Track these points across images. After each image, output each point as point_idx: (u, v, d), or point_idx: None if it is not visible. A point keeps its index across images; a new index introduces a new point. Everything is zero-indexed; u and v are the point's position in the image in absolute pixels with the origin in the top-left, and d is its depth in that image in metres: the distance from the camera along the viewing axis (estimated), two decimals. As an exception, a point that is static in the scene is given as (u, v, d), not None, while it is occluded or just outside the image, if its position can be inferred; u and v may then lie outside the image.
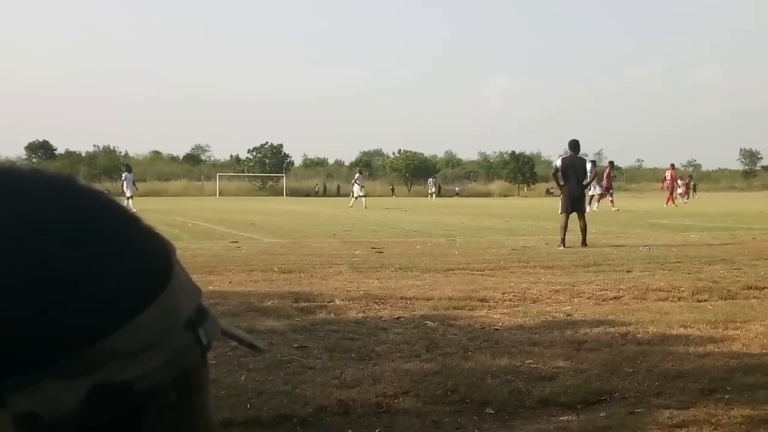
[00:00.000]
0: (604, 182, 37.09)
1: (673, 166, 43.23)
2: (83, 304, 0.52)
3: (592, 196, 35.10)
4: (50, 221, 0.54)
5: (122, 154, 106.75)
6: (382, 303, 8.46)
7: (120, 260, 0.55)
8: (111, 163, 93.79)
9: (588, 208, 33.41)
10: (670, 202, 39.75)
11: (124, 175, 35.31)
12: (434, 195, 65.97)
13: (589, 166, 16.77)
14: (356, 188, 43.43)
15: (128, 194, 33.67)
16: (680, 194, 44.70)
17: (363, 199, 42.18)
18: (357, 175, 45.75)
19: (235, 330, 0.68)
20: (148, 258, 0.58)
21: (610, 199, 36.96)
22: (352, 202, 42.38)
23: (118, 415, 0.53)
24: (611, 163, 40.35)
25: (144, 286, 0.56)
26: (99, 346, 0.52)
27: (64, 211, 0.56)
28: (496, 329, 7.22)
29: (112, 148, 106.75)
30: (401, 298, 8.71)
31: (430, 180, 70.77)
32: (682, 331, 7.11)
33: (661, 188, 41.90)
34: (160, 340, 0.55)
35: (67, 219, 0.55)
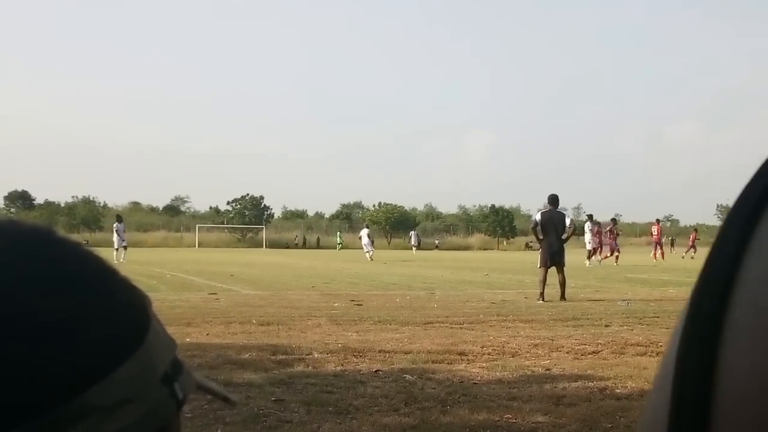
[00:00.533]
0: (609, 239, 37.63)
1: (658, 221, 43.55)
2: (64, 357, 0.52)
3: (590, 250, 35.64)
4: (31, 273, 0.54)
5: (101, 205, 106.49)
6: (361, 356, 8.41)
7: (100, 313, 0.55)
8: (90, 213, 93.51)
9: (588, 263, 34.14)
10: (658, 256, 39.76)
11: (116, 226, 35.18)
12: (416, 247, 65.32)
13: (568, 221, 16.87)
14: (365, 242, 46.04)
15: (119, 245, 33.64)
16: (688, 248, 45.47)
17: (370, 253, 44.07)
18: (366, 230, 48.66)
19: (209, 383, 0.68)
20: (127, 311, 0.58)
21: (616, 255, 37.26)
22: (369, 256, 43.56)
23: None
24: (614, 220, 41.07)
25: (122, 339, 0.56)
26: (77, 402, 0.51)
27: (45, 263, 0.56)
28: (475, 383, 7.19)
29: (91, 198, 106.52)
30: (380, 351, 8.67)
31: (412, 233, 70.16)
32: (660, 386, 7.10)
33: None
34: (138, 394, 0.55)
35: (48, 271, 0.55)
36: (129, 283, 0.61)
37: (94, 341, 0.54)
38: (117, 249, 33.47)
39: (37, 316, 0.52)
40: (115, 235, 34.68)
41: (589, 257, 36.02)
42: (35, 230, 0.59)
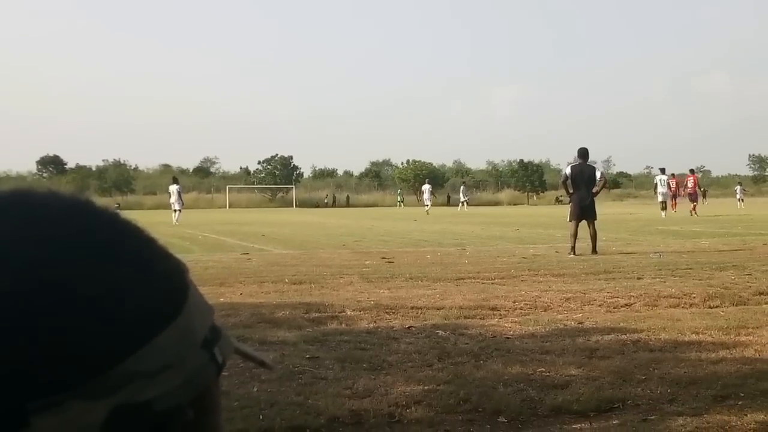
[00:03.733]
0: (690, 190, 38.26)
1: (692, 171, 42.72)
2: (105, 326, 0.53)
3: (662, 202, 36.14)
4: (71, 244, 0.55)
5: (132, 168, 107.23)
6: (393, 313, 8.46)
7: (139, 282, 0.56)
8: (121, 176, 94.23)
9: (663, 214, 34.62)
10: (693, 211, 39.26)
11: (173, 188, 34.83)
12: (466, 204, 58.02)
13: (598, 174, 16.76)
14: (426, 196, 52.18)
15: (177, 207, 33.61)
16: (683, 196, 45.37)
17: (428, 206, 49.81)
18: (427, 186, 54.12)
19: (246, 347, 0.68)
20: (165, 279, 0.59)
21: (693, 205, 38.20)
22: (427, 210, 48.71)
23: None
24: (692, 170, 41.69)
25: (162, 307, 0.57)
26: (120, 367, 0.52)
27: (84, 234, 0.56)
28: (508, 338, 7.21)
29: (121, 162, 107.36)
30: (412, 308, 8.71)
31: (462, 188, 61.66)
32: (694, 337, 7.10)
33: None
34: (178, 360, 0.56)
35: (87, 242, 0.56)
36: (166, 251, 0.62)
37: (133, 309, 0.54)
38: (175, 211, 33.40)
39: (78, 286, 0.53)
40: (174, 196, 34.25)
41: (662, 209, 36.42)
42: (74, 201, 0.59)
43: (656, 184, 38.05)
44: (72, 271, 0.54)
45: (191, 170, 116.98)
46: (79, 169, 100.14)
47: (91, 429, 0.51)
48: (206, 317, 0.61)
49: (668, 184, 37.77)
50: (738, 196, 55.22)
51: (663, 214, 35.54)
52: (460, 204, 58.29)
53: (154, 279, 0.58)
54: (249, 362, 0.71)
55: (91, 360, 0.52)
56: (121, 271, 0.56)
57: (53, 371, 0.51)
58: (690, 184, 40.63)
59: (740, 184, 60.37)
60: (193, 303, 0.60)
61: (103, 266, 0.55)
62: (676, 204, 40.73)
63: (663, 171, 38.74)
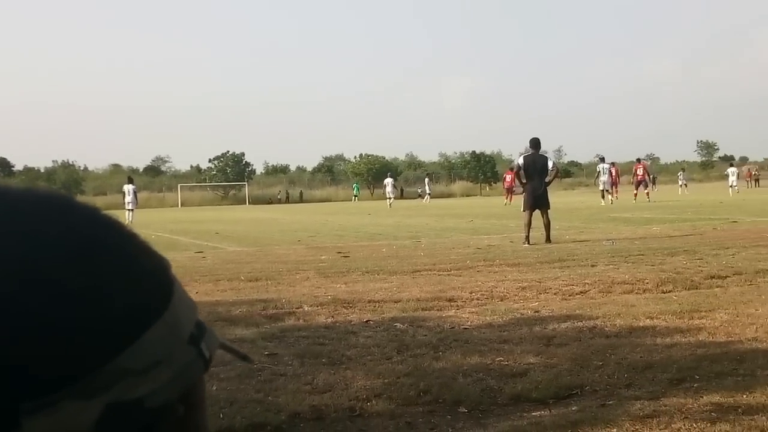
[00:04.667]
0: (640, 177, 39.34)
1: (639, 160, 43.63)
2: (94, 323, 0.52)
3: (603, 190, 37.35)
4: (55, 241, 0.54)
5: (81, 169, 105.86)
6: (351, 307, 8.45)
7: (126, 277, 0.56)
8: (70, 177, 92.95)
9: (603, 202, 35.57)
10: (644, 195, 39.99)
11: (128, 188, 34.45)
12: (429, 196, 59.47)
13: (550, 164, 16.89)
14: (389, 189, 52.08)
15: (131, 207, 33.25)
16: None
17: (390, 200, 50.25)
18: (390, 179, 53.99)
19: (229, 342, 0.68)
20: (151, 275, 0.58)
21: (646, 191, 39.75)
22: (389, 203, 49.37)
23: None
24: (639, 159, 43.07)
25: (149, 303, 0.56)
26: (111, 365, 0.52)
27: (68, 229, 0.55)
28: (466, 328, 7.24)
29: (70, 162, 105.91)
30: (369, 302, 8.71)
31: (426, 180, 64.18)
32: (648, 322, 7.19)
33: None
34: (167, 356, 0.55)
35: (72, 238, 0.55)
36: (149, 246, 0.61)
37: (122, 306, 0.54)
38: (129, 211, 33.06)
39: (64, 283, 0.52)
40: (129, 196, 33.82)
41: (603, 197, 37.73)
42: (53, 196, 0.58)
43: (598, 172, 39.14)
44: (59, 268, 0.53)
45: (142, 169, 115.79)
46: (28, 171, 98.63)
47: (83, 428, 0.51)
48: (191, 313, 0.61)
49: (609, 172, 39.01)
50: (681, 182, 56.29)
51: (603, 201, 36.72)
52: (426, 196, 59.81)
53: (140, 275, 0.57)
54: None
55: (82, 358, 0.51)
56: (107, 267, 0.55)
57: (44, 371, 0.50)
58: (639, 172, 41.40)
59: (683, 170, 61.84)
60: (178, 298, 0.59)
61: (89, 262, 0.54)
62: (617, 191, 41.80)
63: (603, 160, 40.54)
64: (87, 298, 0.52)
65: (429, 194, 60.05)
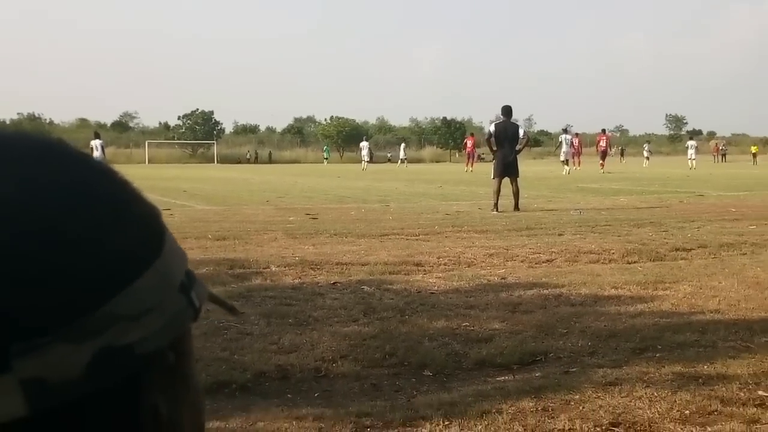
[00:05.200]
0: (603, 147, 40.25)
1: (604, 131, 44.20)
2: (86, 267, 0.51)
3: (565, 160, 38.03)
4: (48, 185, 0.53)
5: (47, 122, 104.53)
6: (318, 269, 8.45)
7: (119, 223, 0.55)
8: (36, 131, 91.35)
9: (565, 171, 36.16)
10: (601, 167, 40.53)
11: (95, 143, 33.94)
12: (406, 161, 60.83)
13: (521, 132, 16.91)
14: (364, 153, 53.09)
15: None
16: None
17: (365, 164, 51.09)
18: (365, 143, 55.10)
19: (216, 294, 0.68)
20: (143, 221, 0.58)
21: (601, 162, 40.35)
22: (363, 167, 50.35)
23: (119, 380, 0.53)
24: (604, 130, 43.90)
25: (142, 249, 0.55)
26: (103, 310, 0.51)
27: (61, 174, 0.55)
28: (432, 293, 7.27)
29: (36, 115, 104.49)
30: (337, 264, 8.71)
31: (403, 145, 64.73)
32: (613, 292, 7.26)
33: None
34: (158, 303, 0.55)
35: (65, 183, 0.54)
36: (141, 193, 0.61)
37: (114, 251, 0.53)
38: None
39: (56, 228, 0.51)
40: (97, 151, 33.28)
41: (566, 165, 38.44)
42: (46, 141, 0.57)
43: (560, 142, 39.81)
44: (51, 212, 0.52)
45: (109, 125, 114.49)
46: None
47: (74, 372, 0.50)
48: (182, 261, 0.61)
49: (571, 143, 39.91)
50: (645, 155, 57.01)
51: (565, 171, 37.35)
52: (400, 161, 60.94)
53: (133, 220, 0.57)
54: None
55: (73, 302, 0.50)
56: (100, 211, 0.54)
57: (35, 314, 0.49)
58: (603, 143, 42.07)
59: (648, 142, 62.68)
60: (169, 247, 0.59)
61: (82, 206, 0.54)
62: (579, 161, 42.44)
63: (566, 130, 41.96)
64: (78, 242, 0.52)
65: (405, 159, 61.12)
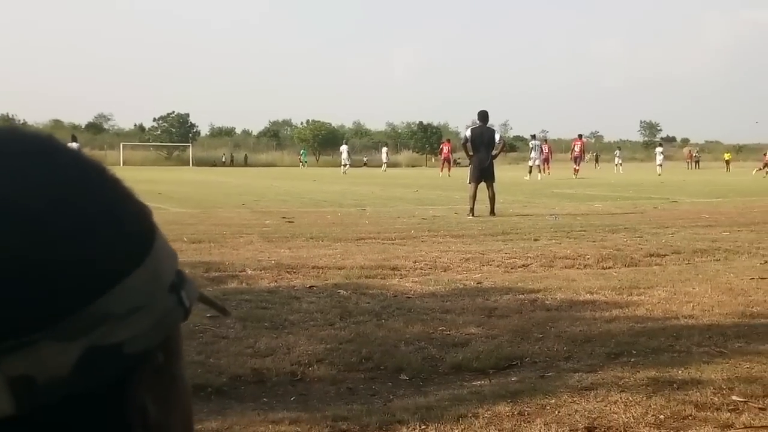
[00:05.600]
0: (577, 153, 40.50)
1: (580, 137, 44.44)
2: (76, 265, 0.51)
3: (531, 166, 38.29)
4: (40, 181, 0.53)
5: (21, 123, 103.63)
6: (294, 272, 8.43)
7: (109, 221, 0.55)
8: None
9: (528, 177, 36.32)
10: (575, 173, 40.78)
11: (72, 146, 33.88)
12: (386, 165, 62.17)
13: (497, 137, 16.95)
14: (344, 156, 53.38)
15: None
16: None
17: (346, 167, 51.53)
18: (345, 146, 55.46)
19: (207, 294, 0.67)
20: (134, 219, 0.58)
21: (575, 167, 40.94)
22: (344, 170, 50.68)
23: (107, 380, 0.52)
24: (580, 135, 44.40)
25: (132, 247, 0.55)
26: (91, 308, 0.51)
27: (52, 170, 0.54)
28: (409, 297, 7.28)
29: (9, 116, 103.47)
30: (313, 267, 8.70)
31: (385, 149, 66.71)
32: (588, 297, 7.30)
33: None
34: (148, 302, 0.55)
35: (56, 179, 0.54)
36: (131, 192, 0.60)
37: (105, 248, 0.53)
38: None
39: (46, 224, 0.51)
40: None
41: (530, 172, 38.57)
42: (38, 137, 0.57)
43: (531, 148, 40.19)
44: (41, 208, 0.51)
45: (84, 126, 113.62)
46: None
47: (62, 370, 0.50)
48: (172, 261, 0.60)
49: (541, 149, 40.24)
50: (616, 162, 57.27)
51: (528, 177, 37.57)
52: (383, 165, 61.88)
53: (123, 219, 0.56)
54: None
55: (62, 300, 0.50)
56: (91, 209, 0.54)
57: (23, 311, 0.49)
58: (577, 149, 42.37)
59: (619, 149, 63.39)
60: (160, 246, 0.58)
61: (72, 204, 0.53)
62: (549, 167, 42.72)
63: (534, 137, 41.83)
64: (69, 239, 0.51)
65: (386, 163, 62.17)
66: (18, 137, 0.56)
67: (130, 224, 0.56)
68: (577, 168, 41.11)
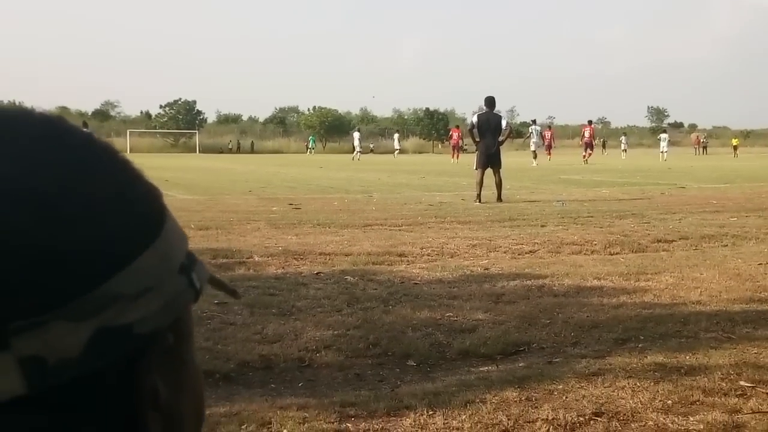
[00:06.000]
0: (587, 139, 40.40)
1: (590, 122, 44.26)
2: (86, 246, 0.51)
3: (534, 151, 38.24)
4: (50, 163, 0.53)
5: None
6: (302, 259, 8.44)
7: (119, 202, 0.54)
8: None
9: (534, 163, 36.36)
10: (585, 159, 40.63)
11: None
12: (398, 152, 63.50)
13: (504, 123, 16.92)
14: (356, 143, 54.03)
15: None
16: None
17: (358, 154, 52.03)
18: (357, 133, 56.48)
19: (217, 276, 0.67)
20: (144, 201, 0.57)
21: (588, 154, 40.89)
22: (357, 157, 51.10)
23: (117, 360, 0.52)
24: (590, 121, 44.07)
25: (142, 229, 0.55)
26: (102, 289, 0.51)
27: (62, 152, 0.54)
28: (416, 283, 7.28)
29: (17, 103, 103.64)
30: (320, 254, 8.71)
31: (396, 136, 68.10)
32: (596, 283, 7.29)
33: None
34: (158, 284, 0.55)
35: (66, 160, 0.54)
36: (142, 173, 0.60)
37: (115, 229, 0.53)
38: None
39: (57, 205, 0.51)
40: None
41: (534, 158, 38.43)
42: (49, 119, 0.57)
43: (530, 133, 40.08)
44: (52, 189, 0.51)
45: (90, 113, 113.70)
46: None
47: (72, 352, 0.50)
48: (182, 242, 0.60)
49: (541, 134, 40.14)
50: (622, 147, 57.59)
51: (535, 163, 37.22)
52: (396, 151, 62.95)
53: (134, 199, 0.56)
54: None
55: (72, 281, 0.50)
56: (102, 189, 0.54)
57: (34, 292, 0.49)
58: (587, 134, 42.18)
59: (625, 134, 63.37)
60: (170, 227, 0.58)
61: (83, 184, 0.53)
62: (551, 153, 42.60)
63: (535, 122, 41.74)
64: (79, 220, 0.51)
65: (398, 150, 63.23)
66: (28, 119, 0.56)
67: (140, 205, 0.56)
68: (588, 153, 40.97)
